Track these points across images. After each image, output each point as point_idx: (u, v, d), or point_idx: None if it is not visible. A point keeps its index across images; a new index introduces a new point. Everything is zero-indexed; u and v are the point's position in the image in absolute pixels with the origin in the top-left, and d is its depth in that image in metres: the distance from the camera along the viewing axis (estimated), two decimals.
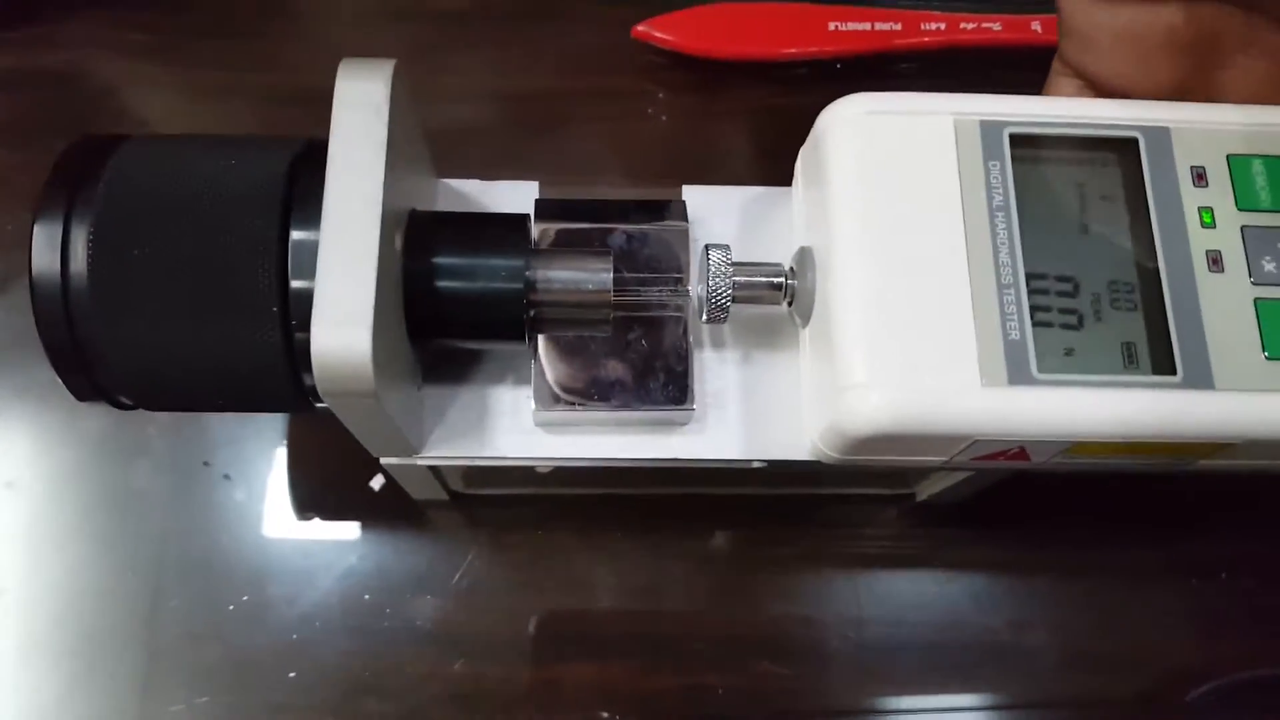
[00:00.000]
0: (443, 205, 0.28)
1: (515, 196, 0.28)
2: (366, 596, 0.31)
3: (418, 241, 0.24)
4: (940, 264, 0.23)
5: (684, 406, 0.25)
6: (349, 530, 0.32)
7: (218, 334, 0.22)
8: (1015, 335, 0.23)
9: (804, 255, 0.25)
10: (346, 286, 0.21)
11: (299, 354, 0.22)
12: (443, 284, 0.24)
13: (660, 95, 0.38)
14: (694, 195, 0.28)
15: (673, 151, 0.37)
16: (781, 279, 0.25)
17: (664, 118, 0.37)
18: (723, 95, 0.38)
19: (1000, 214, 0.24)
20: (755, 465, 0.27)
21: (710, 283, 0.25)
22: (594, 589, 0.32)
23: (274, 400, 0.24)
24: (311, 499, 0.32)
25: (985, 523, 0.33)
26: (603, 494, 0.33)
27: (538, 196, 0.28)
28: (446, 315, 0.24)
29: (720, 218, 0.28)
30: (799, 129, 0.26)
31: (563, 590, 0.32)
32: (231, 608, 0.31)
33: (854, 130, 0.24)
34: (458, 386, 0.27)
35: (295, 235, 0.22)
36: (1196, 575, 0.32)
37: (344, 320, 0.20)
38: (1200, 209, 0.24)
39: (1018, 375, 0.23)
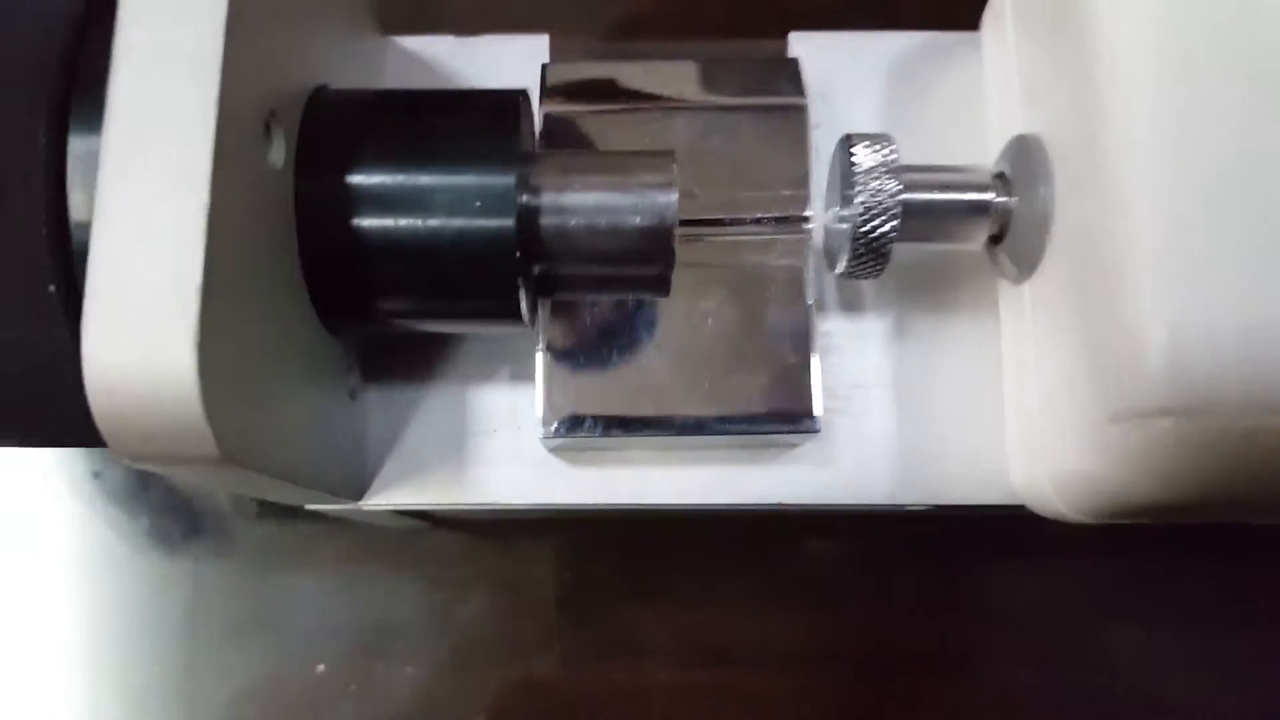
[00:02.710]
0: (393, 80, 0.17)
1: (511, 62, 0.17)
2: (320, 668, 0.22)
3: (321, 146, 0.13)
4: None
5: (802, 425, 0.15)
6: (294, 574, 0.23)
7: None
8: None
9: (1026, 151, 0.14)
10: (144, 246, 0.10)
11: None
12: (367, 223, 0.13)
13: None
14: (805, 48, 0.17)
15: None
16: (987, 195, 0.14)
17: None
18: None
19: None
20: (914, 509, 0.16)
21: (863, 203, 0.14)
22: (644, 654, 0.22)
23: (72, 431, 0.14)
24: (244, 531, 0.23)
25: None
26: (655, 516, 0.23)
27: (547, 61, 0.17)
28: (377, 279, 0.13)
29: (852, 87, 0.17)
30: None
31: (600, 656, 0.22)
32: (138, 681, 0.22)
33: None
34: (424, 385, 0.16)
35: (77, 146, 0.12)
36: None
37: (142, 328, 0.10)
38: None
39: None
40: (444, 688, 0.22)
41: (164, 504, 0.22)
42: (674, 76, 0.16)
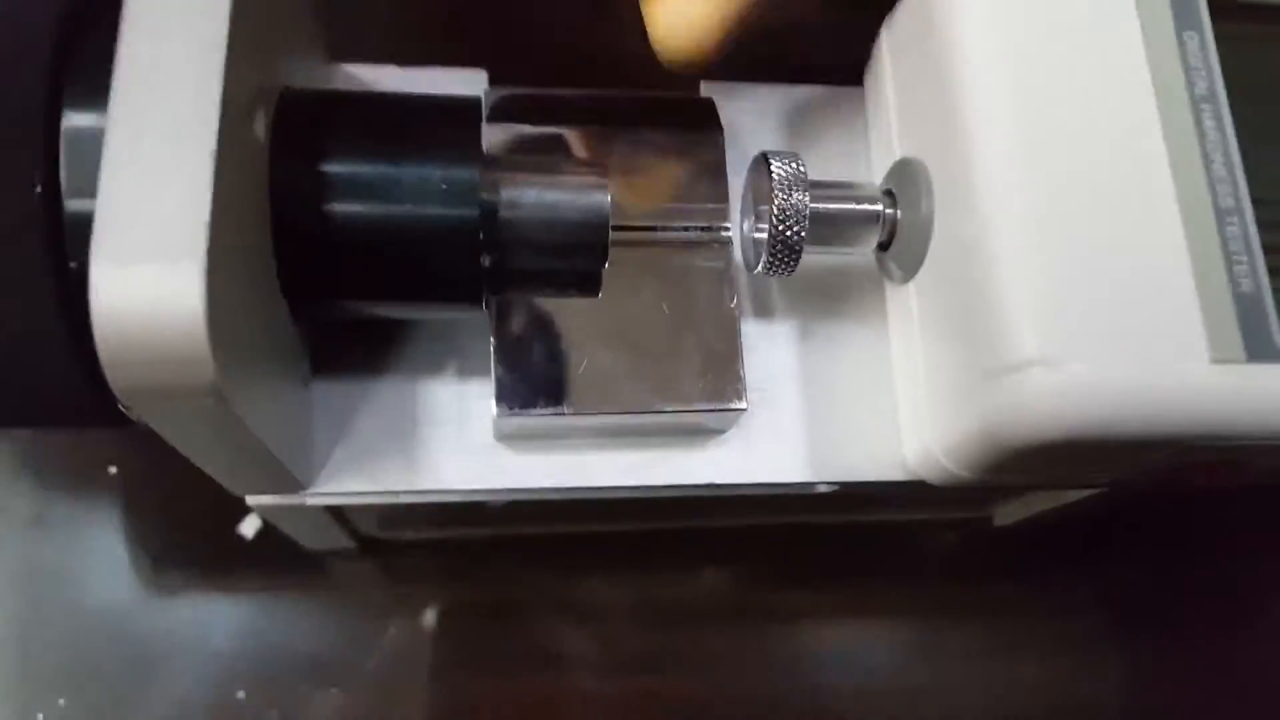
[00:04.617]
0: None
1: (453, 91, 0.19)
2: (240, 695, 0.21)
3: (295, 133, 0.14)
4: (1133, 175, 0.15)
5: (730, 405, 0.17)
6: (210, 599, 0.22)
7: None
8: (1247, 285, 0.15)
9: (908, 172, 0.16)
10: (157, 188, 0.11)
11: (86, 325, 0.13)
12: (340, 206, 0.14)
13: None
14: (717, 96, 0.19)
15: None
16: (878, 207, 0.17)
17: None
18: None
19: (1206, 107, 0.16)
20: (822, 489, 0.18)
21: (779, 209, 0.16)
22: (568, 664, 0.23)
23: (56, 406, 0.14)
24: (153, 553, 0.22)
25: (1086, 555, 0.25)
26: (574, 532, 0.24)
27: (488, 87, 0.18)
28: (346, 259, 0.14)
29: (760, 128, 0.19)
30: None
31: (524, 669, 0.23)
32: (41, 718, 0.21)
33: None
34: (370, 380, 0.17)
35: (73, 121, 0.13)
36: None
37: (152, 247, 0.11)
38: None
39: (1258, 347, 0.15)
40: (369, 710, 0.21)
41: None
42: (605, 107, 0.18)
